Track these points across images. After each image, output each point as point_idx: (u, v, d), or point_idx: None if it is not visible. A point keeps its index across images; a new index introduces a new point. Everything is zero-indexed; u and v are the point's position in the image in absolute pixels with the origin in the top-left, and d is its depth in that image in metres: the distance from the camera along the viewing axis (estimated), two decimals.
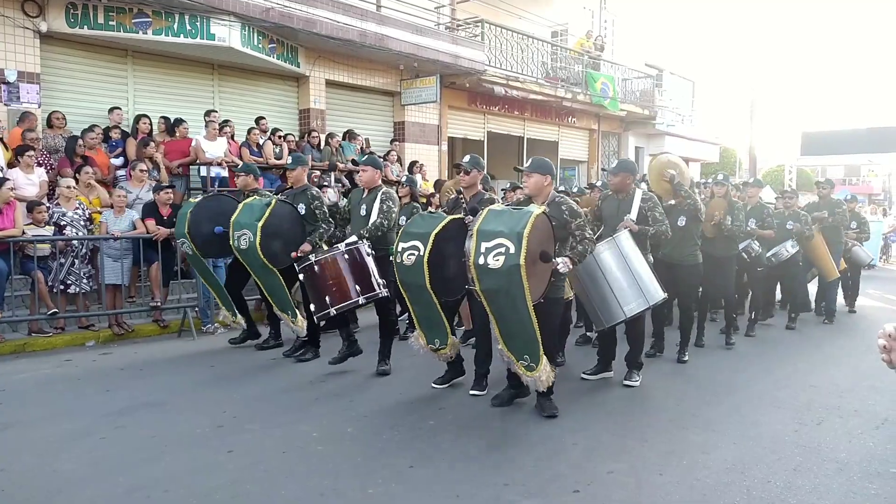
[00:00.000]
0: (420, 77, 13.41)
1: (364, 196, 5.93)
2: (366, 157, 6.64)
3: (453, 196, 5.82)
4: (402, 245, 4.77)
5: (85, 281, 7.21)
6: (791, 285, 8.62)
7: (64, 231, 7.11)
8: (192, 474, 3.68)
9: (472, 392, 5.15)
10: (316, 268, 5.40)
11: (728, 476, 3.71)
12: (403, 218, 6.77)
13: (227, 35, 9.87)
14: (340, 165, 11.12)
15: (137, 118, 9.31)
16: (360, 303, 5.41)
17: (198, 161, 9.40)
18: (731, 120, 47.50)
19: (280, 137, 10.59)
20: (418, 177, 12.28)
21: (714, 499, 3.44)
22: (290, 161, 6.87)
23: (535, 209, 4.22)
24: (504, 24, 15.24)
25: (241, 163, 9.72)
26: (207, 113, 9.99)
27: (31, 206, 7.15)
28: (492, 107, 15.69)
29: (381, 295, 5.52)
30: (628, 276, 5.17)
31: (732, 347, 7.11)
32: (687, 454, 4.03)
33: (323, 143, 11.33)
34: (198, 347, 7.01)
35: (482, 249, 4.14)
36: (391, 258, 5.13)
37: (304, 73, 11.94)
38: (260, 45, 10.63)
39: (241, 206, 6.23)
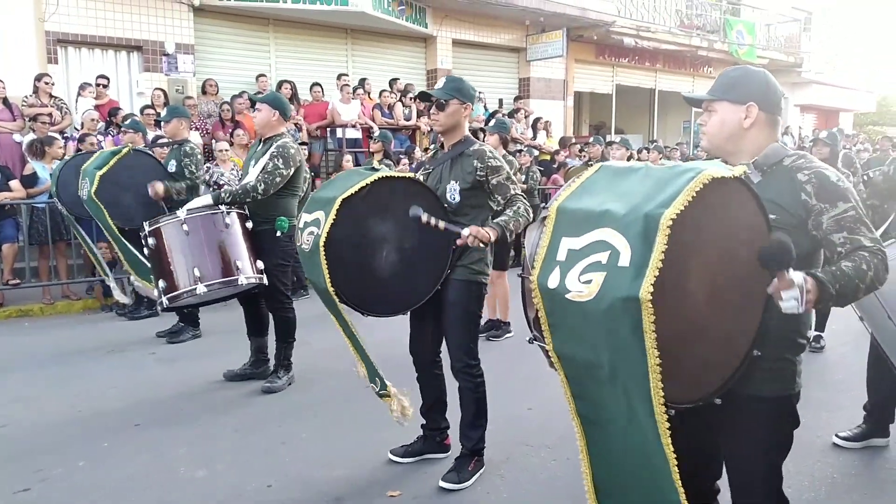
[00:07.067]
0: (546, 32, 13.23)
1: (259, 148, 4.30)
2: (265, 93, 4.34)
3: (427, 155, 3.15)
4: (304, 218, 2.95)
5: None
6: None
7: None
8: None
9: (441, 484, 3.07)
10: (151, 240, 4.04)
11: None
12: None
13: (360, 0, 10.25)
14: None
15: (280, 84, 9.91)
16: (199, 292, 3.94)
17: (334, 123, 9.93)
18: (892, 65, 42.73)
19: (410, 99, 10.90)
20: (542, 133, 12.24)
21: None
22: (164, 113, 5.85)
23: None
24: None
25: (373, 125, 10.19)
26: (340, 77, 10.47)
27: None
28: (621, 59, 15.22)
29: (241, 283, 4.07)
30: None
31: None
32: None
33: None
34: None
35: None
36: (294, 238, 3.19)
37: (432, 34, 12.15)
38: (390, 8, 10.95)
39: (96, 153, 5.47)
